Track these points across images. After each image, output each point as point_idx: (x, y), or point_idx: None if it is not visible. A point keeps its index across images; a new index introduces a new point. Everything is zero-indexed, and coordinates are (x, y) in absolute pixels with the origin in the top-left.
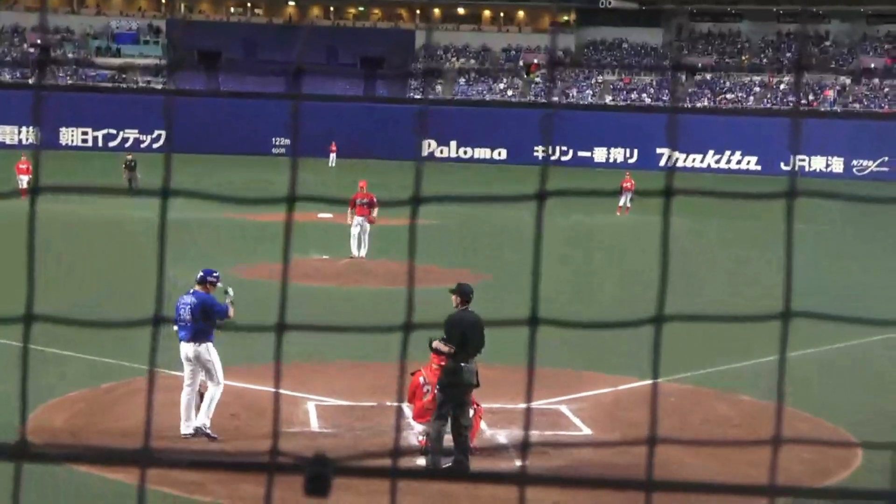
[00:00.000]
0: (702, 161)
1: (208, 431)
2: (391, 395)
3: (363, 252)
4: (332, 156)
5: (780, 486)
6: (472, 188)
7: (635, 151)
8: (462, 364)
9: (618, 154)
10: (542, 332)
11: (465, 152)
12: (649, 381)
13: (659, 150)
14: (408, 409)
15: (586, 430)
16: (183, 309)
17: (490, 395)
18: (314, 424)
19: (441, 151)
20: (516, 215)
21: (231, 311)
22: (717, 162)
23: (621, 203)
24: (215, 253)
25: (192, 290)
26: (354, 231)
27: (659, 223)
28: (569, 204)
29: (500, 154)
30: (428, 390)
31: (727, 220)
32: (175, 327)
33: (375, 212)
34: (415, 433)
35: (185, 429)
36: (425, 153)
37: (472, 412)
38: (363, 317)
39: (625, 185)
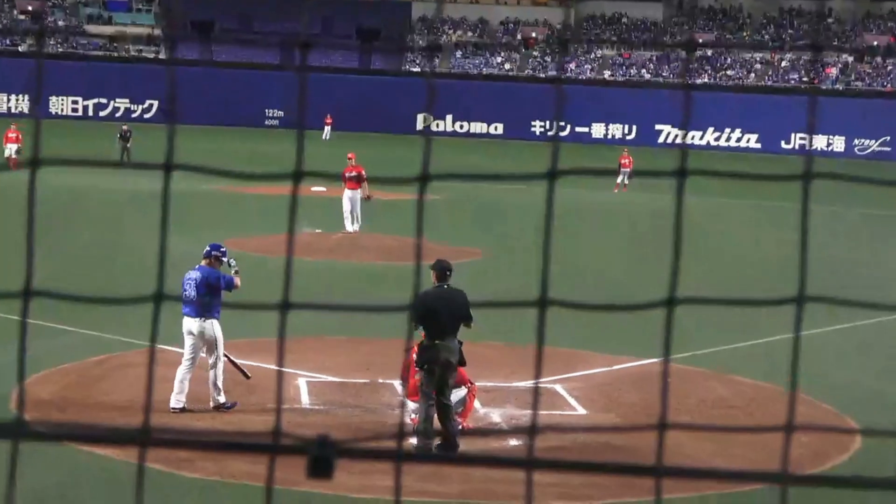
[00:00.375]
0: (701, 138)
1: (227, 404)
2: (385, 372)
3: (356, 226)
4: (327, 129)
5: (793, 475)
6: (469, 164)
7: (634, 128)
8: (435, 342)
9: (616, 130)
10: (536, 310)
11: (462, 126)
12: (644, 361)
13: (658, 127)
14: (401, 387)
15: (581, 410)
16: (188, 284)
17: (484, 374)
18: (305, 401)
19: (437, 125)
20: (512, 191)
21: (237, 280)
22: (717, 139)
23: (619, 180)
24: (206, 226)
25: (197, 266)
26: (346, 206)
27: (657, 201)
28: (565, 180)
29: (496, 129)
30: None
31: (732, 200)
32: (182, 302)
33: (366, 186)
34: (408, 412)
35: (175, 402)
36: (420, 127)
37: (463, 391)
38: (357, 292)
39: (623, 162)
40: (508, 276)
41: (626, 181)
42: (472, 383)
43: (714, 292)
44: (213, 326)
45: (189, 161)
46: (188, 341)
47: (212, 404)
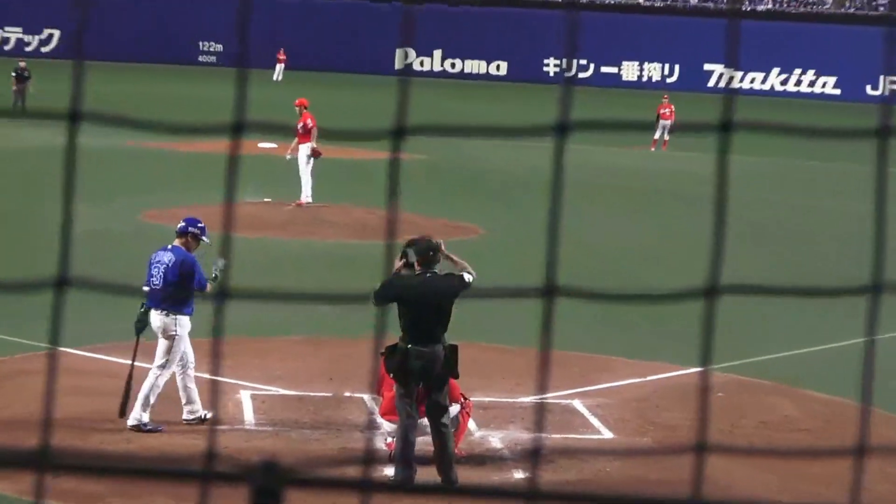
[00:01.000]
0: (763, 82)
1: (149, 425)
2: (352, 383)
3: (304, 196)
4: (279, 67)
5: None
6: (462, 114)
7: (676, 68)
8: (411, 347)
9: (653, 70)
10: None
11: (453, 65)
12: (689, 370)
13: (707, 67)
14: (373, 403)
15: (606, 433)
16: (156, 268)
17: (481, 386)
18: (249, 419)
19: (421, 63)
20: (520, 150)
21: (209, 287)
22: (784, 83)
23: (657, 136)
24: (123, 192)
25: (170, 246)
26: (303, 167)
27: (705, 164)
28: (588, 138)
29: (498, 68)
30: None
31: (798, 161)
32: (146, 288)
33: (314, 141)
34: (382, 434)
35: (188, 414)
36: (399, 66)
37: (455, 409)
38: (317, 279)
39: (662, 112)
40: (515, 259)
41: (667, 136)
42: (465, 398)
43: (776, 280)
44: (178, 324)
45: (101, 109)
46: (159, 341)
47: (186, 415)
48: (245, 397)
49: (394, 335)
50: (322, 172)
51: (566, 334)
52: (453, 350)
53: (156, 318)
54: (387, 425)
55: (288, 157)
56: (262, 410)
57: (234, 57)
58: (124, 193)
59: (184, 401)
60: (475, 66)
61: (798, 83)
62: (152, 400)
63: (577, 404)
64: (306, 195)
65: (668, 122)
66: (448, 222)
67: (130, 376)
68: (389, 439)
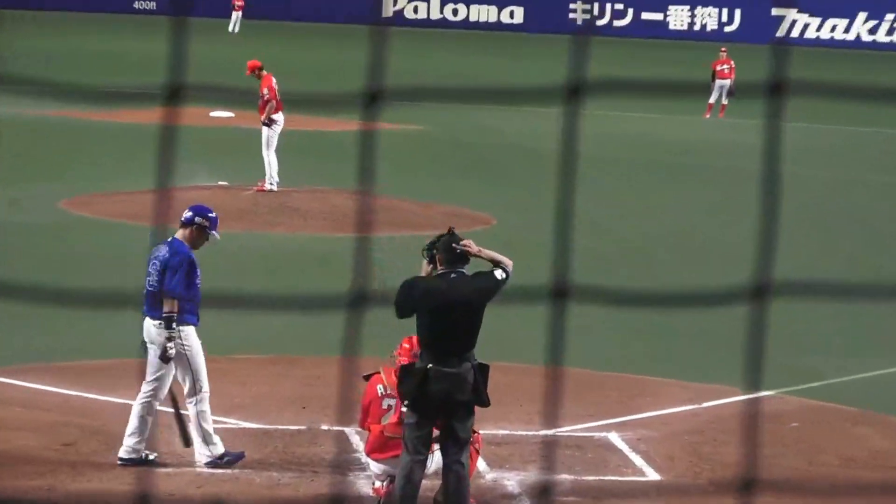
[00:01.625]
0: (847, 30)
1: (227, 456)
2: (329, 413)
3: (267, 179)
4: (236, 16)
5: None
6: (466, 71)
7: (737, 14)
8: (432, 366)
9: (708, 17)
10: (580, 313)
11: (455, 12)
12: (756, 395)
13: (776, 12)
14: (358, 436)
15: (651, 474)
16: (152, 266)
17: (494, 415)
18: (204, 459)
19: (415, 10)
20: (544, 120)
21: (171, 305)
22: (873, 32)
23: (713, 99)
24: (38, 175)
25: (171, 238)
26: (265, 143)
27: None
28: (625, 104)
29: (512, 16)
30: (391, 406)
31: (887, 130)
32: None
33: (271, 106)
34: (369, 476)
35: (125, 450)
36: (388, 13)
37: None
38: (285, 282)
39: (719, 69)
40: (535, 255)
41: (725, 100)
42: (474, 432)
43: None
44: (183, 337)
45: (10, 70)
46: (151, 355)
47: (200, 458)
48: (197, 431)
49: (372, 354)
50: (290, 148)
51: (599, 350)
52: (483, 371)
53: (153, 331)
54: (374, 466)
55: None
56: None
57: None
58: (41, 177)
59: (130, 430)
60: (483, 12)
61: (891, 31)
62: (209, 428)
63: (615, 438)
64: (270, 178)
65: (727, 82)
66: (451, 210)
67: (175, 401)
68: (378, 483)
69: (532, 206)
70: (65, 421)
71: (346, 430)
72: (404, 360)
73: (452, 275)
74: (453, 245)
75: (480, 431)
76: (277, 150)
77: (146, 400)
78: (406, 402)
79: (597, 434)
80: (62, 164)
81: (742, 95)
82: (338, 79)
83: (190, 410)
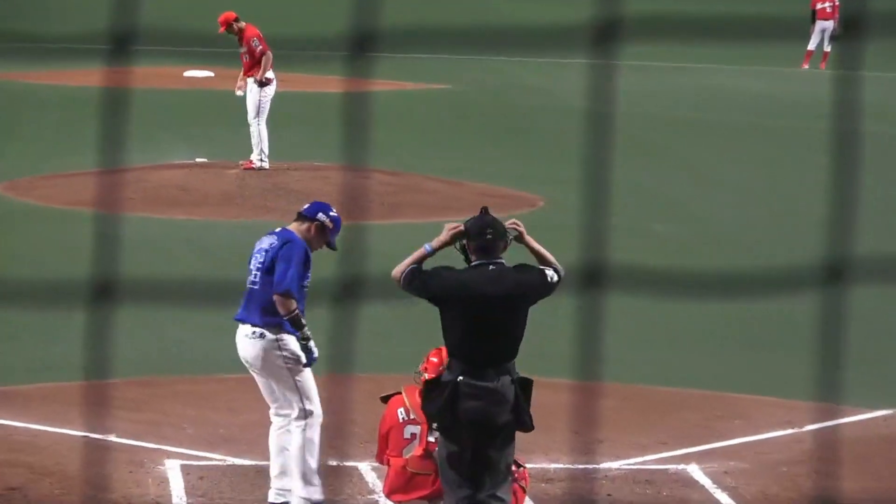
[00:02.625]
0: None
1: (313, 502)
2: (339, 444)
3: (256, 154)
4: None
5: None
6: (487, 16)
7: None
8: (463, 379)
9: None
10: (650, 318)
11: None
12: (874, 413)
13: None
14: (374, 473)
15: None
16: (255, 259)
17: (543, 445)
18: (177, 502)
19: None
20: (598, 78)
21: (288, 304)
22: None
23: (812, 45)
24: None
25: (277, 229)
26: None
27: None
28: (704, 52)
29: None
30: (415, 435)
31: None
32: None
33: (264, 71)
34: None
35: (276, 496)
36: None
37: (510, 479)
38: None
39: (820, 7)
40: (592, 243)
41: (827, 46)
42: (518, 465)
43: None
44: (283, 347)
45: None
46: (254, 376)
47: (273, 497)
48: (173, 470)
49: (388, 373)
50: (281, 115)
51: (674, 363)
52: (526, 386)
53: (245, 342)
54: None
55: (238, 93)
56: (201, 489)
57: None
58: None
59: (275, 471)
60: None
61: None
62: (314, 464)
63: (695, 471)
64: (259, 153)
65: (830, 24)
66: (487, 189)
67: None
68: None
69: (588, 184)
70: (8, 459)
71: (360, 465)
72: (430, 375)
73: (490, 266)
74: (486, 229)
75: (527, 465)
76: (268, 120)
77: (281, 429)
78: (434, 426)
79: (673, 466)
80: None
81: (847, 40)
82: (317, 20)
83: (293, 437)
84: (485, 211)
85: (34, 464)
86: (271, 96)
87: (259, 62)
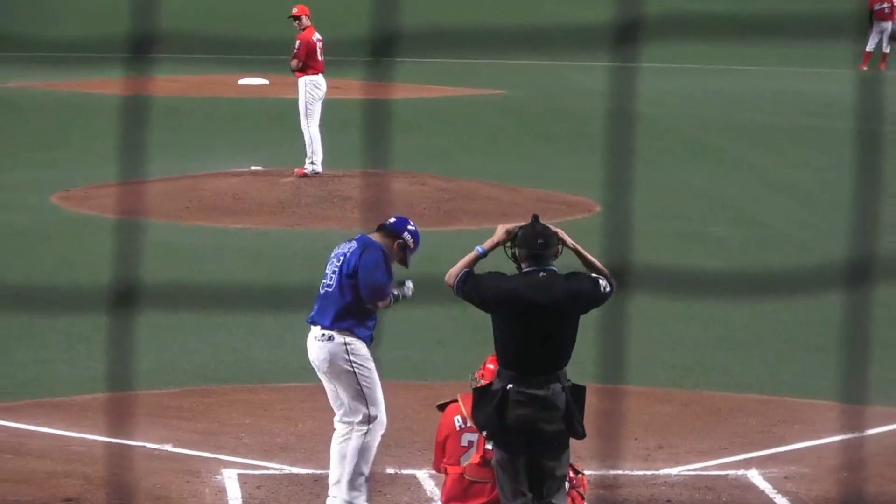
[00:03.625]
0: None
1: None
2: (398, 452)
3: (309, 162)
4: None
5: None
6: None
7: None
8: (512, 387)
9: None
10: (703, 314)
11: None
12: None
13: None
14: (433, 480)
15: None
16: (331, 264)
17: (600, 451)
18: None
19: None
20: (662, 78)
21: (386, 303)
22: None
23: (871, 46)
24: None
25: (358, 236)
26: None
27: None
28: (758, 53)
29: None
30: (472, 443)
31: None
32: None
33: (295, 62)
34: None
35: (336, 491)
36: None
37: (566, 487)
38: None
39: (878, 8)
40: (651, 250)
41: (887, 47)
42: (576, 472)
43: None
44: (352, 352)
45: None
46: (323, 382)
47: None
48: (230, 479)
49: (443, 380)
50: (335, 121)
51: (732, 368)
52: (578, 394)
53: (314, 344)
54: None
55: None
56: (258, 499)
57: None
58: (25, 164)
59: (334, 479)
60: None
61: None
62: (366, 470)
63: (755, 476)
64: (313, 160)
65: (889, 25)
66: (543, 194)
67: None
68: None
69: (645, 188)
70: (64, 470)
71: (418, 473)
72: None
73: (541, 273)
74: (537, 237)
75: (585, 472)
76: (320, 125)
77: (345, 438)
78: (485, 434)
79: (733, 472)
80: (48, 147)
81: None
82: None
83: (351, 442)
84: (535, 219)
85: (90, 474)
86: (319, 99)
87: (301, 62)
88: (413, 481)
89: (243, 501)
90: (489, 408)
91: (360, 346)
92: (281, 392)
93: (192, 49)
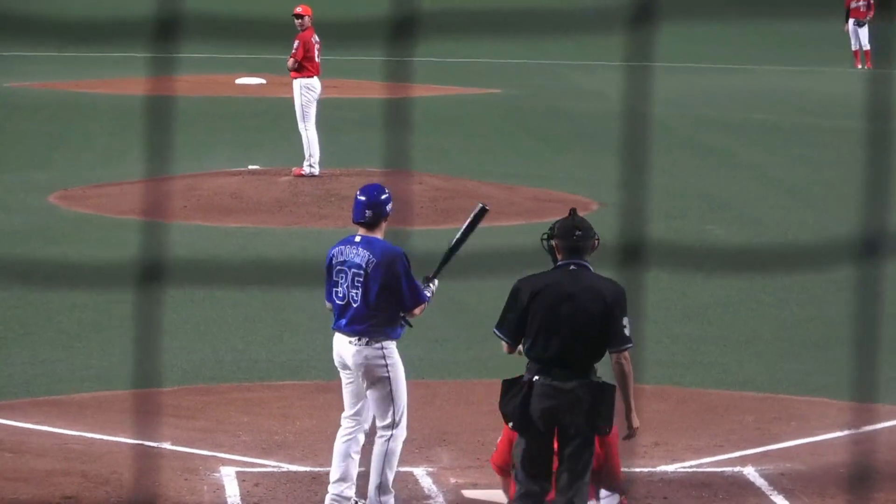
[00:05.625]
0: None
1: None
2: (419, 448)
3: (307, 161)
4: None
5: None
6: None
7: None
8: (538, 379)
9: None
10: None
11: None
12: None
13: None
14: (430, 478)
15: None
16: (346, 270)
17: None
18: None
19: None
20: (652, 81)
21: (420, 310)
22: None
23: (855, 45)
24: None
25: (357, 238)
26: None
27: None
28: (748, 53)
29: None
30: None
31: None
32: (328, 304)
33: (291, 62)
34: None
35: (333, 497)
36: None
37: (615, 500)
38: None
39: (854, 6)
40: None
41: (866, 45)
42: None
43: None
44: (387, 356)
45: None
46: (345, 380)
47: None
48: (228, 477)
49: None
50: (332, 121)
51: (728, 366)
52: (606, 392)
53: (348, 349)
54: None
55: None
56: (256, 496)
57: None
58: (22, 165)
59: (335, 476)
60: None
61: None
62: (391, 476)
63: (751, 473)
64: (311, 159)
65: (864, 22)
66: (541, 193)
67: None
68: None
69: (642, 187)
70: (63, 468)
71: (415, 470)
72: None
73: (572, 266)
74: (574, 230)
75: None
76: (318, 123)
77: (349, 436)
78: (510, 424)
79: (729, 469)
80: (46, 147)
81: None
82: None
83: (376, 446)
84: (573, 212)
85: (89, 472)
86: (314, 100)
87: (300, 63)
88: (411, 478)
89: (241, 499)
90: (516, 399)
91: (395, 352)
92: (278, 390)
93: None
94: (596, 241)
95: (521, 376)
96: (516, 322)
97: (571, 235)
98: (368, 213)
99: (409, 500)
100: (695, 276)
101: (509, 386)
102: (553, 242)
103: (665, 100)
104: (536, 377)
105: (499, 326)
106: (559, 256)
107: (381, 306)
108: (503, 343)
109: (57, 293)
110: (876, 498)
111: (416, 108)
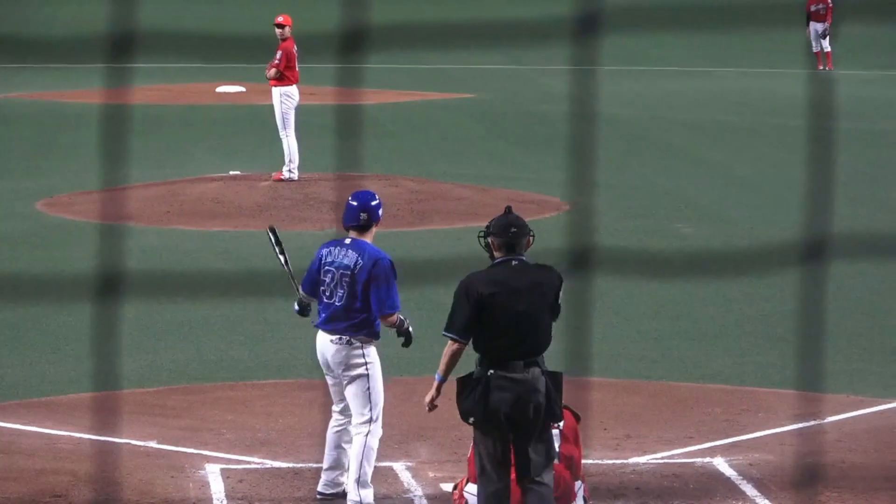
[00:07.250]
0: None
1: None
2: (398, 443)
3: (287, 166)
4: None
5: None
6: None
7: None
8: (493, 372)
9: None
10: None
11: None
12: (888, 405)
13: None
14: (409, 472)
15: None
16: (333, 270)
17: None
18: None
19: None
20: (623, 84)
21: (397, 316)
22: None
23: (816, 47)
24: None
25: (347, 240)
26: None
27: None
28: (713, 55)
29: None
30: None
31: None
32: (301, 292)
33: (273, 71)
34: None
35: (324, 485)
36: None
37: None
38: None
39: (813, 9)
40: (617, 246)
41: (827, 46)
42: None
43: None
44: (366, 355)
45: None
46: (329, 380)
47: (322, 487)
48: (213, 474)
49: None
50: (311, 126)
51: (697, 359)
52: (556, 379)
53: (329, 347)
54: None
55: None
56: (240, 492)
57: None
58: (6, 172)
59: (327, 464)
60: None
61: None
62: (369, 470)
63: (721, 464)
64: (290, 164)
65: (822, 26)
66: (514, 194)
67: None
68: None
69: (612, 187)
70: (52, 467)
71: (395, 465)
72: None
73: (513, 262)
74: (510, 227)
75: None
76: (297, 129)
77: (340, 427)
78: (470, 421)
79: (699, 459)
80: (33, 155)
81: (846, 41)
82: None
83: (354, 442)
84: (508, 210)
85: (78, 471)
86: (293, 107)
87: (281, 72)
88: (390, 473)
89: (226, 495)
90: (474, 395)
91: (374, 351)
92: (261, 389)
93: (171, 59)
94: (531, 238)
95: (471, 374)
96: (467, 321)
97: (508, 232)
98: (363, 216)
99: (388, 494)
100: (663, 273)
101: (465, 383)
102: (490, 240)
103: (634, 102)
104: (492, 371)
105: (448, 329)
106: (497, 254)
107: (363, 307)
108: (450, 342)
109: (45, 297)
110: (841, 486)
111: (391, 114)
